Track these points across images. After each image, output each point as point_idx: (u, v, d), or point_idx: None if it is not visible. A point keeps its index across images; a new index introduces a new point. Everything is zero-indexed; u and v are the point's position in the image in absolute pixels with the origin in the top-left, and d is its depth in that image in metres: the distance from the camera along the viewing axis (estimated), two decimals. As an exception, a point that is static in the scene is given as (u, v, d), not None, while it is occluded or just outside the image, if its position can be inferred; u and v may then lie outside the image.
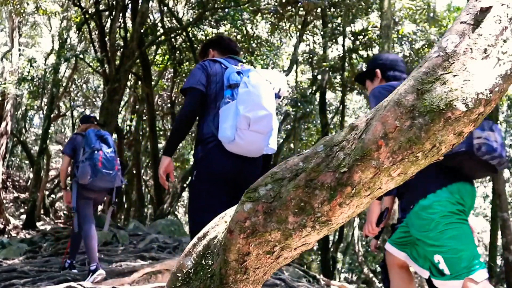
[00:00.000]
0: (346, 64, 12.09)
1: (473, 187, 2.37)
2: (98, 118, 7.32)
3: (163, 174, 2.44)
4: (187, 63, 13.16)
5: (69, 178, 4.93)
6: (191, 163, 11.87)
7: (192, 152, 2.78)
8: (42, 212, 13.94)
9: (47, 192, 15.00)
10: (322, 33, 12.19)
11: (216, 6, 10.44)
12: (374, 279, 14.27)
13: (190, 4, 12.70)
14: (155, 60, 13.65)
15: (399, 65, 2.57)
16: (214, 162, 2.33)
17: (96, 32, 11.39)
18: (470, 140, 2.12)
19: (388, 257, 2.56)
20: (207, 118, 2.41)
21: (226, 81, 2.40)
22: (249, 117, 2.25)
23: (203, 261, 1.37)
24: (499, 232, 10.76)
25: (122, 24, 11.00)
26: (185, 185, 12.94)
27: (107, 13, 11.31)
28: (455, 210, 2.23)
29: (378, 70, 2.54)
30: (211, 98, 2.43)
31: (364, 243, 17.03)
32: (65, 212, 16.07)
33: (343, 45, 11.81)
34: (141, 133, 15.18)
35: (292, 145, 14.48)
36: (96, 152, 3.92)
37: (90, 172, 3.84)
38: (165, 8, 12.28)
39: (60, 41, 14.03)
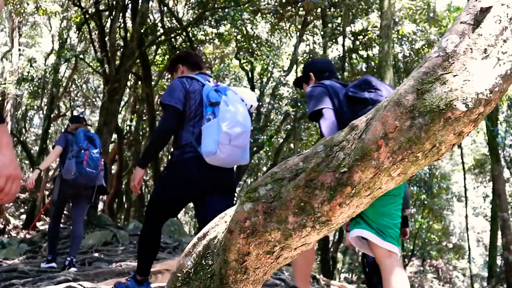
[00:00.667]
0: (346, 64, 12.09)
1: None
2: (98, 118, 7.50)
3: (138, 185, 2.73)
4: (187, 63, 13.14)
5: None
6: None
7: None
8: (42, 212, 13.93)
9: (47, 192, 15.00)
10: (322, 33, 12.19)
11: (216, 6, 10.44)
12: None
13: (190, 4, 12.70)
14: (155, 60, 13.65)
15: (329, 66, 2.87)
16: (190, 170, 2.57)
17: (96, 32, 11.39)
18: None
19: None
20: (186, 130, 2.62)
21: (206, 98, 2.61)
22: (230, 134, 2.48)
23: (203, 261, 1.37)
24: (499, 232, 10.76)
25: (122, 24, 11.00)
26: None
27: (107, 13, 11.31)
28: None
29: (311, 73, 2.83)
30: (190, 114, 2.64)
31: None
32: (65, 212, 16.05)
33: (343, 45, 11.80)
34: (141, 133, 15.18)
35: (292, 145, 14.49)
36: (83, 151, 4.21)
37: (74, 169, 4.11)
38: (165, 8, 12.28)
39: (60, 41, 14.03)
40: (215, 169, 2.56)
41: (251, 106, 2.79)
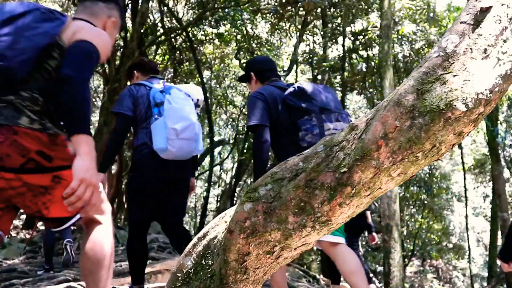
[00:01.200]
0: (346, 64, 12.08)
1: None
2: (98, 118, 7.63)
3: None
4: (187, 63, 13.16)
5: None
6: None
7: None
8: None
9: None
10: (322, 33, 12.19)
11: (216, 6, 10.44)
12: (374, 279, 14.27)
13: (190, 4, 12.69)
14: (155, 60, 13.65)
15: (270, 65, 2.99)
16: (147, 166, 2.82)
17: (96, 32, 11.37)
18: (322, 131, 2.53)
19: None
20: (140, 131, 2.90)
21: (152, 100, 2.87)
22: (176, 129, 2.74)
23: (203, 261, 1.37)
24: (499, 232, 10.76)
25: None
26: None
27: (107, 13, 11.29)
28: None
29: (252, 73, 2.93)
30: (141, 117, 2.90)
31: (364, 243, 17.03)
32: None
33: (343, 45, 11.80)
34: (141, 133, 15.13)
35: (292, 145, 14.45)
36: None
37: None
38: (165, 8, 12.28)
39: (60, 41, 13.99)
40: (170, 163, 2.82)
41: (198, 99, 3.09)
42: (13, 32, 1.59)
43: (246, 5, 10.49)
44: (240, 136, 14.36)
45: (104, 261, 1.86)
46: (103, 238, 1.93)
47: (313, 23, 13.13)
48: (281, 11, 11.32)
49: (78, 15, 1.94)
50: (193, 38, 11.81)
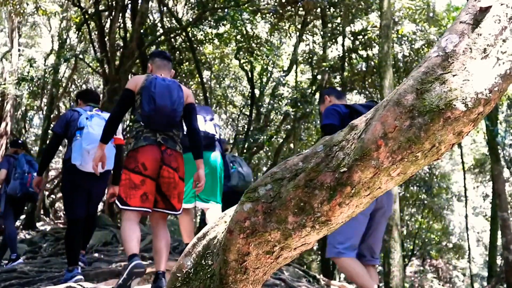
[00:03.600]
0: (346, 64, 12.09)
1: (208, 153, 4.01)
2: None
3: (37, 189, 4.09)
4: (187, 63, 13.15)
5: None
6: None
7: None
8: (42, 212, 13.94)
9: (47, 193, 14.99)
10: (321, 33, 12.19)
11: (216, 6, 10.44)
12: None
13: (190, 4, 12.69)
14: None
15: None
16: (71, 174, 3.70)
17: (96, 33, 11.39)
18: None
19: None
20: (68, 148, 3.74)
21: (79, 124, 3.68)
22: (88, 149, 3.53)
23: (203, 261, 1.37)
24: (499, 232, 10.76)
25: (122, 24, 10.99)
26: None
27: (106, 13, 11.30)
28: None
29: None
30: (71, 137, 3.72)
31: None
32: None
33: (343, 45, 11.80)
34: (141, 133, 15.10)
35: (292, 145, 14.48)
36: (26, 174, 5.38)
37: (19, 189, 5.29)
38: (165, 8, 12.28)
39: (60, 41, 14.02)
40: (87, 173, 3.62)
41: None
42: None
43: (246, 5, 10.49)
44: (240, 136, 14.35)
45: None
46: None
47: (312, 23, 13.13)
48: (281, 11, 11.32)
49: (165, 73, 3.32)
50: (192, 38, 11.81)
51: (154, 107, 2.94)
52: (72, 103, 17.48)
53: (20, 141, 6.38)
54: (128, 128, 3.71)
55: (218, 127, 4.29)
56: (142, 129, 2.99)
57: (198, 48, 12.64)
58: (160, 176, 2.98)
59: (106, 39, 10.55)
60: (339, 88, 13.13)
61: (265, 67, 13.65)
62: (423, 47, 10.75)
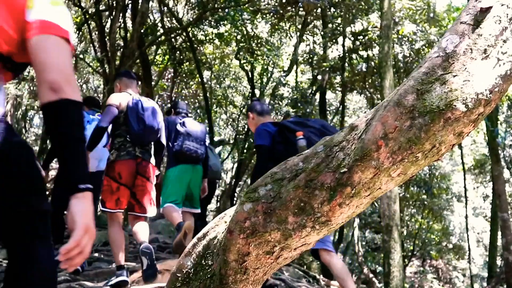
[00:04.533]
0: (346, 64, 12.07)
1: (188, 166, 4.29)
2: None
3: None
4: (187, 63, 13.15)
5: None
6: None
7: None
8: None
9: (47, 192, 14.98)
10: (322, 33, 12.18)
11: (216, 6, 10.43)
12: (374, 279, 14.27)
13: (190, 4, 12.69)
14: (155, 60, 13.64)
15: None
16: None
17: (96, 32, 11.39)
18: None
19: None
20: None
21: None
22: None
23: (203, 261, 1.37)
24: (499, 233, 10.76)
25: (122, 24, 10.99)
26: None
27: (107, 13, 11.30)
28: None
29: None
30: None
31: (364, 243, 17.02)
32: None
33: (343, 45, 11.79)
34: (141, 133, 15.10)
35: (292, 145, 14.44)
36: None
37: None
38: (165, 8, 12.28)
39: (60, 41, 13.95)
40: None
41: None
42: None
43: (246, 5, 10.48)
44: (240, 136, 14.35)
45: None
46: None
47: (313, 23, 13.12)
48: (281, 11, 11.32)
49: (133, 90, 3.81)
50: (193, 38, 11.81)
51: (144, 127, 3.45)
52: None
53: None
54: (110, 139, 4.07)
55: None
56: (124, 143, 3.48)
57: (198, 48, 12.64)
58: (135, 185, 3.52)
59: (106, 39, 10.55)
60: (339, 89, 13.13)
61: (265, 67, 13.64)
62: (424, 47, 10.75)
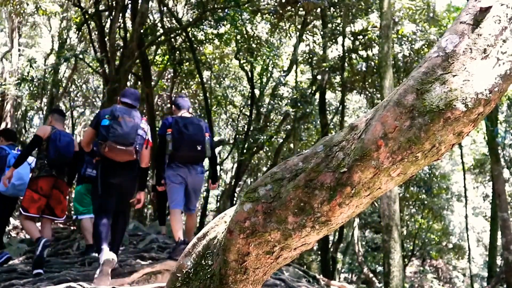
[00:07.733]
0: (346, 64, 12.08)
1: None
2: None
3: (4, 181, 4.76)
4: (187, 63, 13.15)
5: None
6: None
7: None
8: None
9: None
10: (322, 33, 12.18)
11: (216, 6, 10.43)
12: (374, 279, 14.27)
13: (190, 4, 12.69)
14: (155, 60, 13.64)
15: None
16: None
17: (96, 32, 11.38)
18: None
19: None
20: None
21: (7, 162, 5.09)
22: (14, 183, 5.02)
23: (203, 261, 1.37)
24: (499, 232, 10.76)
25: (122, 24, 10.98)
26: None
27: (107, 13, 11.30)
28: None
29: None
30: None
31: (364, 243, 17.03)
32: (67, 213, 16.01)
33: (343, 45, 11.79)
34: (141, 133, 15.08)
35: (292, 145, 14.47)
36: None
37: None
38: (165, 8, 12.27)
39: (60, 41, 14.02)
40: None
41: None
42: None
43: (246, 5, 10.48)
44: (240, 136, 14.35)
45: None
46: None
47: (313, 23, 13.12)
48: (281, 11, 11.32)
49: (60, 125, 5.01)
50: (193, 38, 11.81)
51: (58, 155, 4.65)
52: (72, 103, 17.52)
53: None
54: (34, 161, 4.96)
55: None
56: (44, 164, 4.66)
57: (198, 48, 12.64)
58: (51, 195, 4.75)
59: (106, 39, 10.55)
60: (339, 88, 13.13)
61: (265, 67, 13.64)
62: (423, 47, 10.75)
